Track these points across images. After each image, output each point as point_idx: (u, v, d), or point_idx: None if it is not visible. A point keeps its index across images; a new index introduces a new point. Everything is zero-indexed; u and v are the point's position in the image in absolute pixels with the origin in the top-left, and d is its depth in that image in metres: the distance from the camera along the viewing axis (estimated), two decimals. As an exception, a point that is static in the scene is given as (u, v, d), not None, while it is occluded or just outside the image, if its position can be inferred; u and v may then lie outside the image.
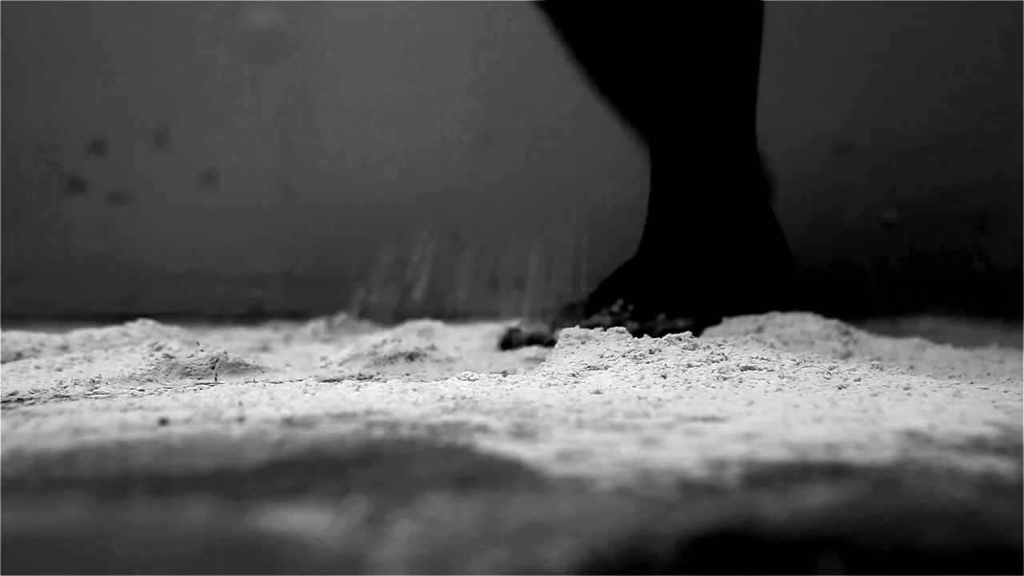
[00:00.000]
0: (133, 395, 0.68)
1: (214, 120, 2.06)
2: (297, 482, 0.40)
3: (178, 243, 2.05)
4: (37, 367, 0.80)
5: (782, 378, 0.69)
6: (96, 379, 0.74)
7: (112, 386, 0.72)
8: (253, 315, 1.92)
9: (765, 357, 0.73)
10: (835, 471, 0.41)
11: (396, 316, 1.32)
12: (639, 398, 0.62)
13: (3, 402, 0.64)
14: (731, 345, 0.76)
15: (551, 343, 1.10)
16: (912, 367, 0.82)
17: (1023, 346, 1.08)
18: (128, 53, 2.04)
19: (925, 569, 0.30)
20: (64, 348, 0.92)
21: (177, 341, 0.86)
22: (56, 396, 0.67)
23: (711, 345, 0.75)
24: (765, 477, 0.40)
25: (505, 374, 0.79)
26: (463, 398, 0.63)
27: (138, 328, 0.99)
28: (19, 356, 0.89)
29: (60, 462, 0.44)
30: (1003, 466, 0.42)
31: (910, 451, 0.45)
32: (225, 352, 0.80)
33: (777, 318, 1.08)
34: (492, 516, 0.35)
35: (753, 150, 1.30)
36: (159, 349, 0.80)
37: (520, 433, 0.50)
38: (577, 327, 0.97)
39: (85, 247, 2.03)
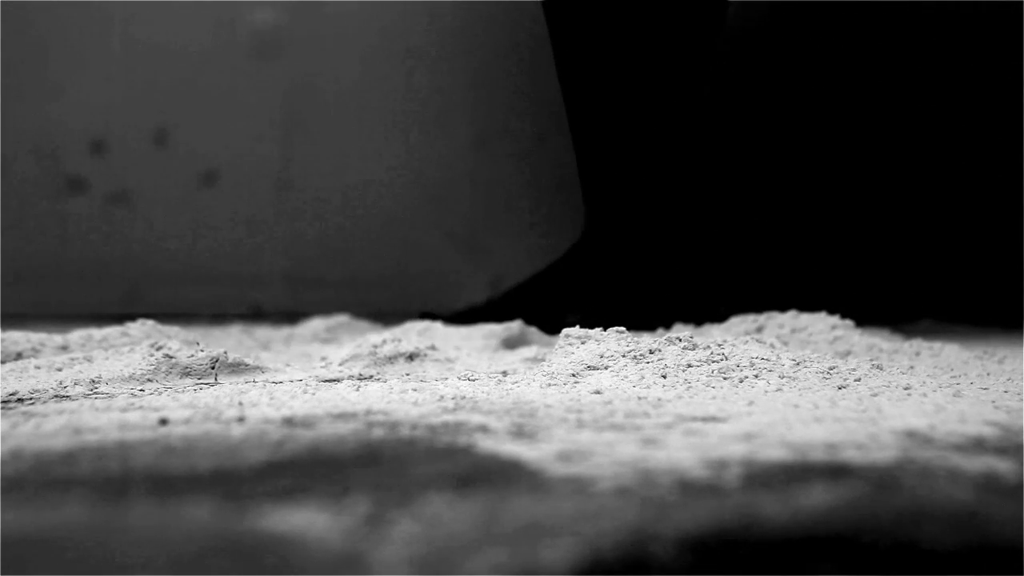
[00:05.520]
0: (133, 395, 0.68)
1: (214, 120, 2.06)
2: (297, 482, 0.40)
3: (178, 243, 2.05)
4: (37, 367, 0.80)
5: (782, 378, 0.69)
6: (96, 379, 0.74)
7: (112, 386, 0.72)
8: (253, 315, 1.92)
9: (765, 357, 0.73)
10: (835, 471, 0.41)
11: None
12: (639, 398, 0.62)
13: (3, 402, 0.64)
14: (731, 345, 0.76)
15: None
16: (912, 367, 0.81)
17: (1023, 346, 1.08)
18: (128, 53, 2.04)
19: (925, 569, 0.30)
20: (64, 348, 0.92)
21: (177, 341, 0.86)
22: (56, 396, 0.67)
23: (711, 345, 0.75)
24: (765, 477, 0.40)
25: (505, 374, 0.79)
26: (463, 398, 0.63)
27: (138, 328, 0.99)
28: (19, 356, 0.89)
29: (60, 462, 0.44)
30: (1003, 466, 0.42)
31: (910, 451, 0.45)
32: (225, 352, 0.80)
33: (777, 318, 1.08)
34: (492, 516, 0.35)
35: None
36: (159, 349, 0.80)
37: (520, 433, 0.50)
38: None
39: (85, 247, 2.03)
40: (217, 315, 1.87)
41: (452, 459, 0.44)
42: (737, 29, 1.74)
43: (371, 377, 0.80)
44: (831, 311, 1.08)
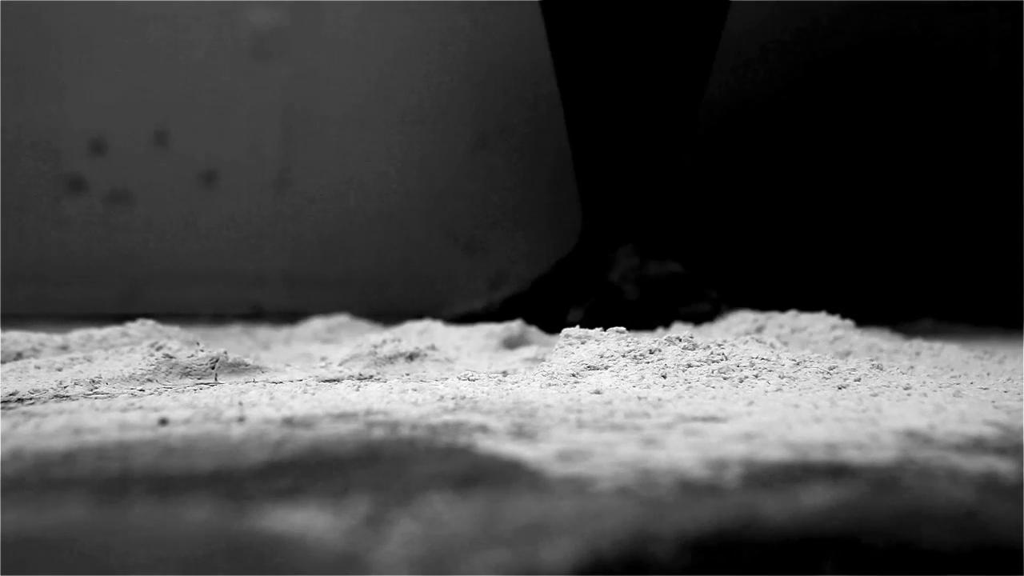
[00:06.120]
0: (133, 395, 0.68)
1: (214, 120, 2.06)
2: (297, 482, 0.40)
3: (178, 243, 2.05)
4: (37, 367, 0.80)
5: (782, 378, 0.69)
6: (96, 379, 0.74)
7: (112, 386, 0.72)
8: (253, 315, 1.92)
9: (765, 357, 0.73)
10: (835, 471, 0.41)
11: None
12: (639, 398, 0.62)
13: (3, 402, 0.64)
14: (731, 345, 0.76)
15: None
16: (912, 367, 0.81)
17: (1023, 346, 1.08)
18: (128, 53, 2.05)
19: (925, 569, 0.30)
20: (64, 348, 0.92)
21: (177, 341, 0.86)
22: (56, 396, 0.67)
23: (711, 345, 0.75)
24: (765, 477, 0.40)
25: (505, 374, 0.79)
26: (463, 398, 0.63)
27: (138, 328, 0.99)
28: (19, 356, 0.89)
29: (60, 462, 0.44)
30: (1003, 466, 0.42)
31: (910, 451, 0.45)
32: (225, 352, 0.80)
33: (777, 318, 1.08)
34: (492, 516, 0.35)
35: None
36: (159, 349, 0.80)
37: (520, 433, 0.50)
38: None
39: (85, 247, 2.03)
40: (217, 315, 1.87)
41: (452, 459, 0.44)
42: (737, 29, 1.74)
43: (371, 377, 0.80)
44: (831, 311, 1.08)
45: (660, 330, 1.20)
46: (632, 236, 1.36)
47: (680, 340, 0.76)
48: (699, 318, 1.26)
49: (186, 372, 0.77)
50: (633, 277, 1.31)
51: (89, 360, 0.82)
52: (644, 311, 1.27)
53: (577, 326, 0.81)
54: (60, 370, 0.79)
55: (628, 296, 1.29)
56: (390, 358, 0.86)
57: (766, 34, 2.04)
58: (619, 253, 1.36)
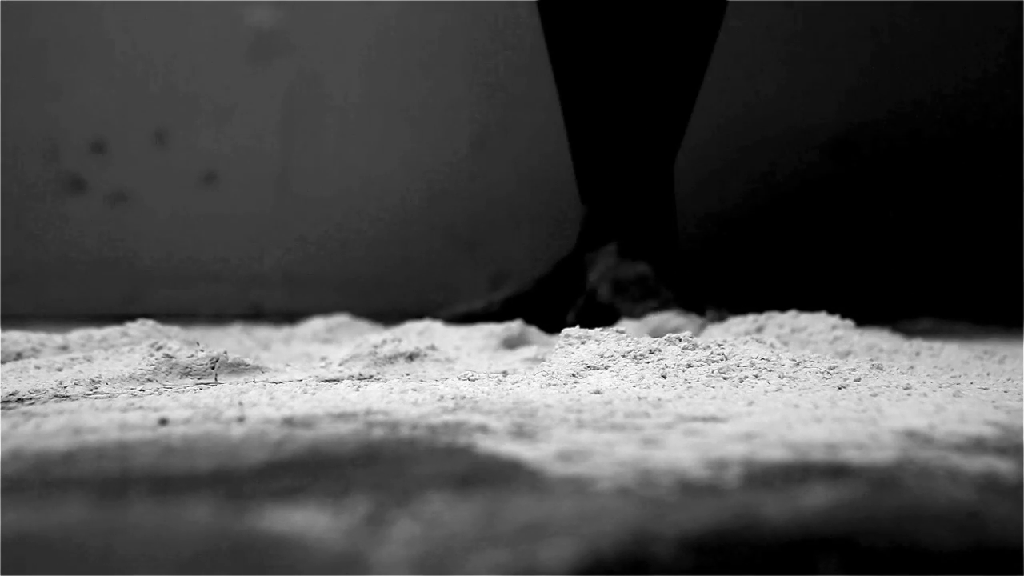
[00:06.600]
0: (133, 395, 0.68)
1: (214, 120, 2.06)
2: (297, 482, 0.40)
3: (178, 243, 2.05)
4: (37, 367, 0.80)
5: (782, 378, 0.69)
6: (96, 379, 0.74)
7: (112, 386, 0.72)
8: (253, 315, 1.92)
9: (765, 357, 0.73)
10: (835, 471, 0.41)
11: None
12: (639, 398, 0.62)
13: (3, 402, 0.64)
14: (731, 345, 0.76)
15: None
16: (912, 367, 0.81)
17: (1023, 346, 1.08)
18: (128, 53, 2.05)
19: (925, 569, 0.30)
20: (64, 348, 0.92)
21: (177, 341, 0.86)
22: (56, 396, 0.67)
23: (711, 345, 0.75)
24: (765, 477, 0.40)
25: (505, 374, 0.79)
26: (463, 398, 0.63)
27: (138, 328, 0.98)
28: (19, 356, 0.89)
29: (60, 462, 0.44)
30: (1003, 466, 0.42)
31: (910, 451, 0.45)
32: (225, 352, 0.80)
33: (777, 318, 1.08)
34: (492, 516, 0.35)
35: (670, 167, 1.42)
36: (159, 349, 0.80)
37: (520, 433, 0.50)
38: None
39: (85, 247, 2.03)
40: (217, 315, 1.87)
41: (452, 459, 0.44)
42: (736, 28, 1.74)
43: (371, 377, 0.80)
44: (831, 311, 1.08)
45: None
46: (616, 236, 1.37)
47: (680, 340, 0.76)
48: (642, 314, 1.27)
49: (186, 372, 0.77)
50: (608, 278, 1.32)
51: (89, 360, 0.82)
52: (614, 312, 1.28)
53: (577, 326, 0.81)
54: (60, 370, 0.79)
55: (600, 297, 1.30)
56: (390, 358, 0.86)
57: (764, 32, 2.05)
58: (600, 253, 1.36)
